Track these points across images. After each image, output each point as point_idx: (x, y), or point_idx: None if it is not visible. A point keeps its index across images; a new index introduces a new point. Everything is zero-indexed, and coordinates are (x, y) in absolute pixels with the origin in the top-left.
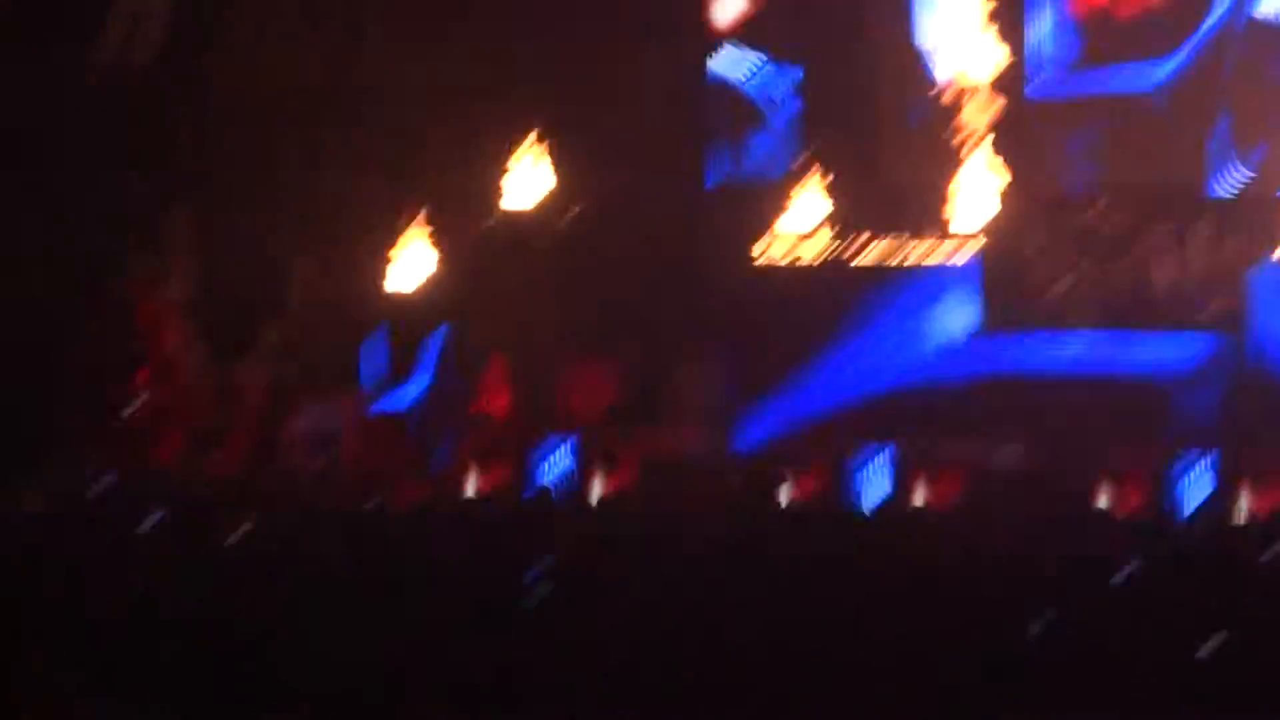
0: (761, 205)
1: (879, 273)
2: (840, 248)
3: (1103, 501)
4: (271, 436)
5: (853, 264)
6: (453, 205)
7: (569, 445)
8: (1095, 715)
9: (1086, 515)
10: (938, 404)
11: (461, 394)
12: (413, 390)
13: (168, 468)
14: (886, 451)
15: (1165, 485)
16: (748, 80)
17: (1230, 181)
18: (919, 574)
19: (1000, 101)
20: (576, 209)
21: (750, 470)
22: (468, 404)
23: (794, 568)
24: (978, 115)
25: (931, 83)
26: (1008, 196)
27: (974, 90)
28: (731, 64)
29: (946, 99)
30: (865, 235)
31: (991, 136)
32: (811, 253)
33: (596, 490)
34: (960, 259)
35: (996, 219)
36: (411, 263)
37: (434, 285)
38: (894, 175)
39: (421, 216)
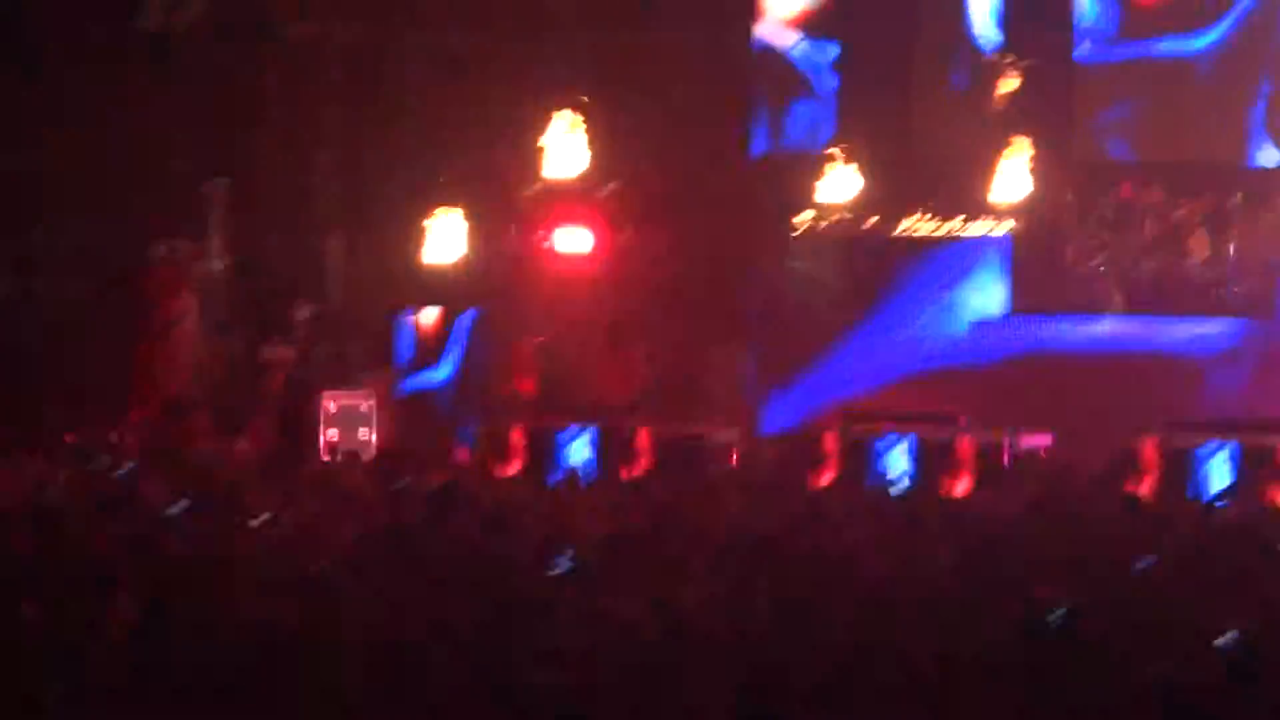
0: (803, 176)
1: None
2: (878, 221)
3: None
4: (301, 416)
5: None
6: (488, 181)
7: (595, 431)
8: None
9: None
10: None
11: (490, 376)
12: (442, 372)
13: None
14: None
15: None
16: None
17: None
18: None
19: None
20: (613, 185)
21: (782, 450)
22: (496, 386)
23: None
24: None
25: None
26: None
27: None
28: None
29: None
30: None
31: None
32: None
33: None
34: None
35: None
36: (444, 242)
37: (466, 265)
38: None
39: (455, 193)
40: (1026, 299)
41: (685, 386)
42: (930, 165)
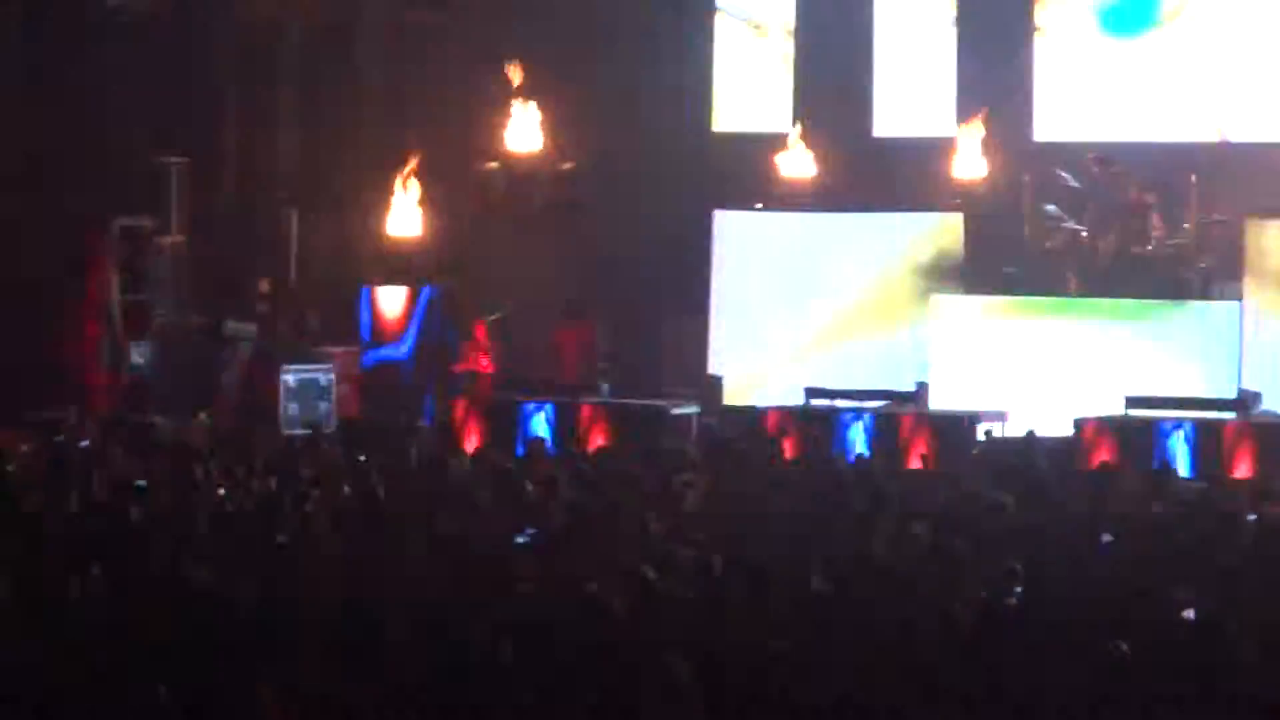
0: (762, 152)
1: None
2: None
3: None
4: (263, 390)
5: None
6: (447, 158)
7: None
8: None
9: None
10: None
11: (450, 350)
12: (404, 345)
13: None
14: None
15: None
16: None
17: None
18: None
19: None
20: (571, 163)
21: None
22: (458, 360)
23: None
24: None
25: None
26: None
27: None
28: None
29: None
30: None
31: None
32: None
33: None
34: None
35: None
36: (405, 217)
37: (427, 240)
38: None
39: (415, 169)
40: (983, 278)
41: (645, 361)
42: (887, 144)
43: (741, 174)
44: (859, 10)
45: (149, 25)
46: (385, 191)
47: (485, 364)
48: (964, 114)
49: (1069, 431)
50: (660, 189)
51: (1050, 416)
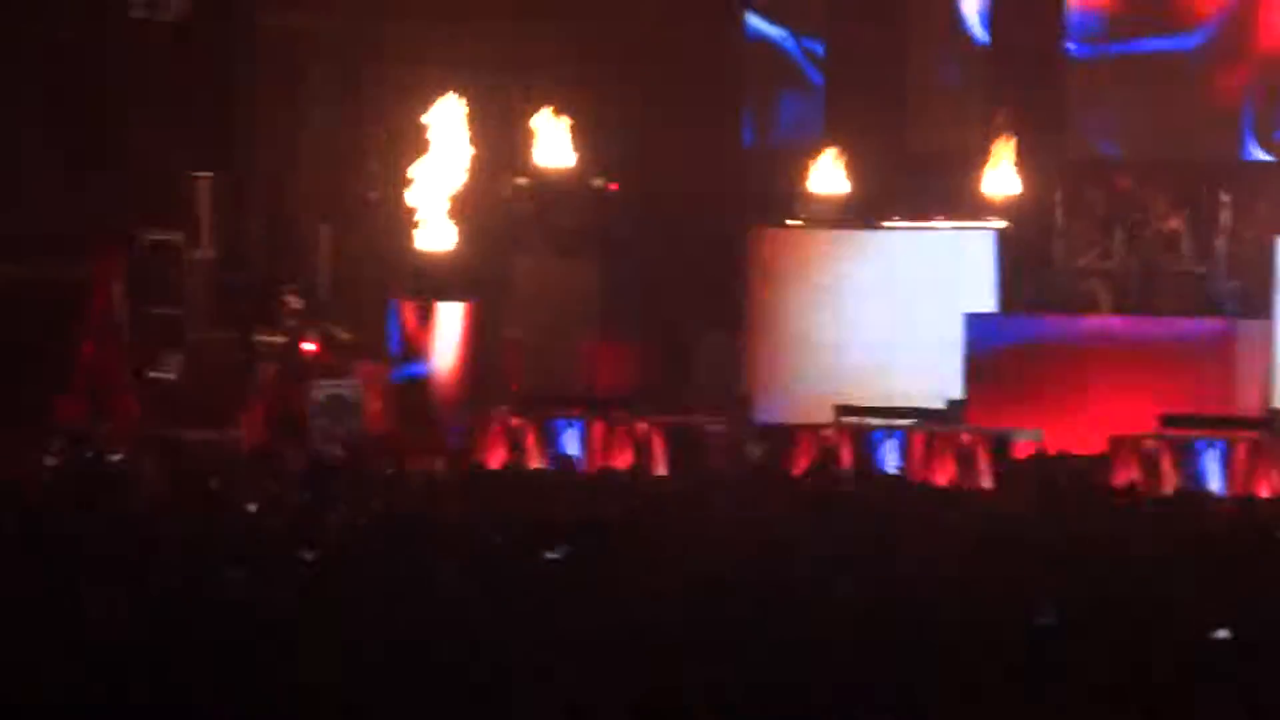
0: (793, 168)
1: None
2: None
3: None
4: (292, 406)
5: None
6: (477, 174)
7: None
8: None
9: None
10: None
11: (480, 366)
12: (434, 361)
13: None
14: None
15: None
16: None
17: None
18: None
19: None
20: (604, 178)
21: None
22: (486, 376)
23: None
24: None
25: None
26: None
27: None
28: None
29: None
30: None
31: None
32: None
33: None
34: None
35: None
36: (437, 232)
37: (458, 256)
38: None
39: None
40: (1015, 296)
41: (676, 378)
42: (920, 160)
43: (775, 191)
44: (889, 26)
45: (177, 37)
46: (417, 205)
47: (517, 379)
48: (996, 130)
49: (1102, 449)
50: (696, 206)
51: (1083, 434)
